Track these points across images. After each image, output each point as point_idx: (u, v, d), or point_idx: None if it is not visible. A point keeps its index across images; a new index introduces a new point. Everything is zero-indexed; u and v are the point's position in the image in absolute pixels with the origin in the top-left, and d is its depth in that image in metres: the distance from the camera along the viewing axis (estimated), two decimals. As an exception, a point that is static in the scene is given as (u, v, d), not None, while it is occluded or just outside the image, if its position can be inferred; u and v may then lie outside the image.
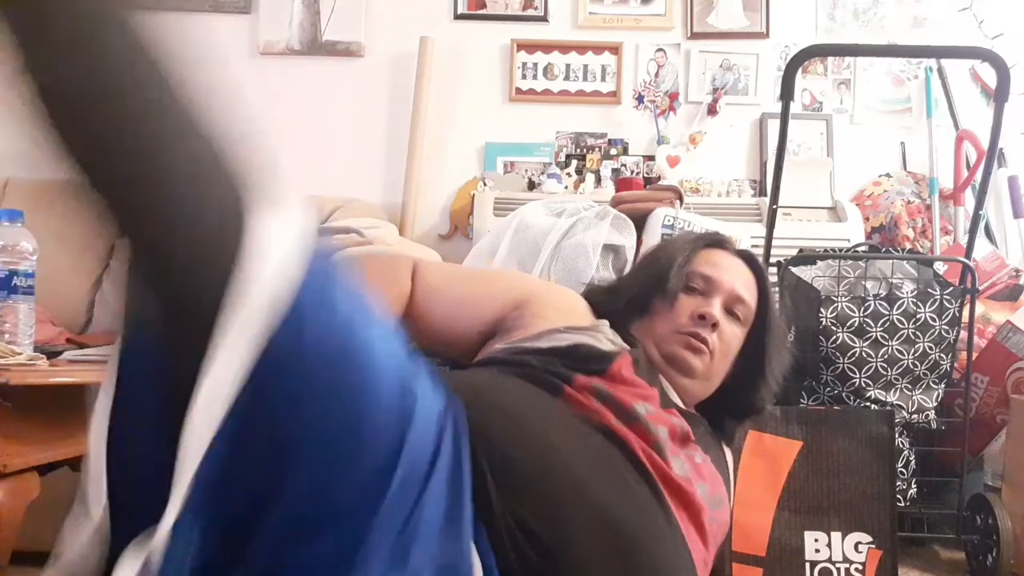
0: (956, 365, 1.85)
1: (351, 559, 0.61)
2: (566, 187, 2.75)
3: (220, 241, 0.59)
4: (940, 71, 2.86)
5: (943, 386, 1.82)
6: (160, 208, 0.59)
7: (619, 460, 0.93)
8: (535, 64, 2.92)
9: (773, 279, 1.79)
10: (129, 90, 0.58)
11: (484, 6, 2.94)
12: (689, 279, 1.18)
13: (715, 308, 1.15)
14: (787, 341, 1.31)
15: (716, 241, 1.27)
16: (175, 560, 0.58)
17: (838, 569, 1.49)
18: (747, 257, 1.26)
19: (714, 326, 1.15)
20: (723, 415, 1.24)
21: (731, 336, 1.18)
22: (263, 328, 0.58)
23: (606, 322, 1.16)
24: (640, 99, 2.89)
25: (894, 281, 1.79)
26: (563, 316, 1.15)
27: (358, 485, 0.62)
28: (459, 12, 2.94)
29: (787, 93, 1.71)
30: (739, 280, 1.20)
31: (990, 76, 2.48)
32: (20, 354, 1.17)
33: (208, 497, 0.59)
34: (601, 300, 1.23)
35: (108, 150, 0.58)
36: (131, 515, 0.62)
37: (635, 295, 1.21)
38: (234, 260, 0.58)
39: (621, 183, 2.65)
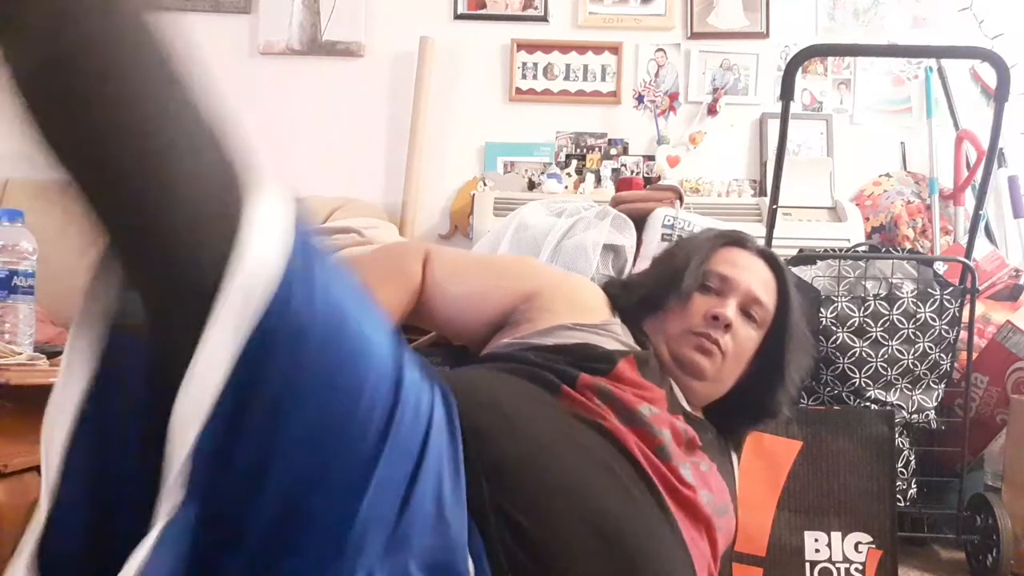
0: (956, 365, 1.85)
1: (343, 547, 0.61)
2: (566, 187, 2.75)
3: (219, 223, 0.59)
4: (940, 71, 2.87)
5: (943, 386, 1.82)
6: (159, 189, 0.58)
7: (616, 460, 0.91)
8: (535, 64, 2.92)
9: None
10: (128, 68, 0.57)
11: (484, 6, 2.94)
12: (705, 278, 1.15)
13: (729, 309, 1.12)
14: (808, 343, 1.27)
15: (736, 239, 1.22)
16: (170, 549, 0.57)
17: (838, 569, 1.49)
18: (768, 256, 1.22)
19: (727, 327, 1.11)
20: (736, 418, 1.20)
21: (745, 338, 1.14)
22: (257, 307, 0.58)
23: (618, 320, 1.14)
24: (640, 99, 2.89)
25: (894, 281, 1.79)
26: (574, 309, 1.12)
27: (349, 458, 0.62)
28: (459, 12, 2.94)
29: (787, 93, 1.71)
30: (756, 280, 1.16)
31: (990, 76, 2.48)
32: (20, 354, 1.17)
33: (204, 479, 0.58)
34: (618, 294, 1.21)
35: (108, 131, 0.57)
36: (112, 517, 0.62)
37: (650, 292, 1.18)
38: (232, 242, 0.58)
39: (621, 183, 2.64)
